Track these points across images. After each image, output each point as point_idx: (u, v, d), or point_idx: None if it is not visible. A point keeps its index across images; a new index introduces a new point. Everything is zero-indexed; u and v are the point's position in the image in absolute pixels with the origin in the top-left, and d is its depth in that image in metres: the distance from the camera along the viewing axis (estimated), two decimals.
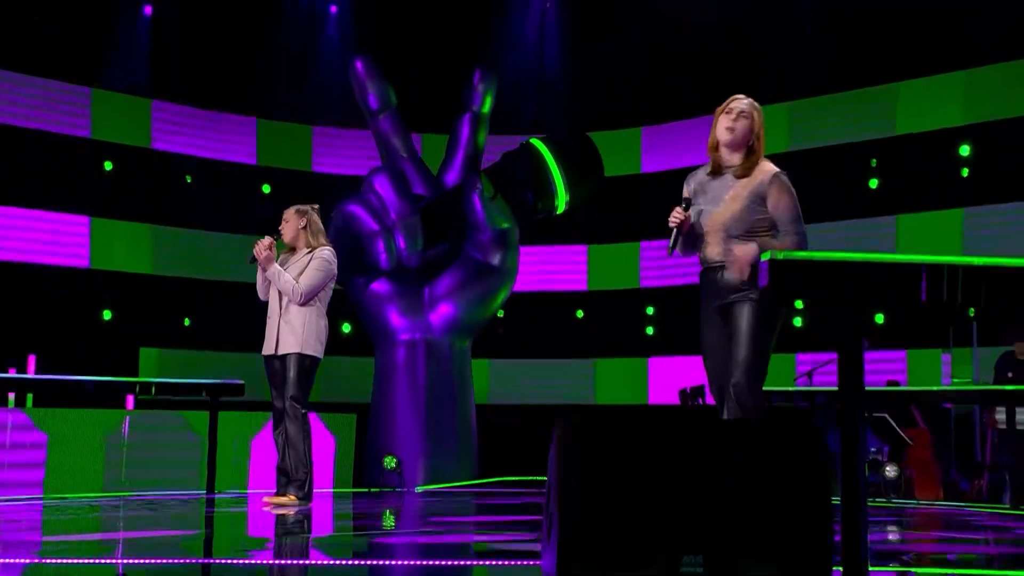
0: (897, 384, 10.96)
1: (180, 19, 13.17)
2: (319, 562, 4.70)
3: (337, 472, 9.99)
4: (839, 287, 3.14)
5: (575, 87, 14.46)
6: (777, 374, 10.15)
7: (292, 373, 7.01)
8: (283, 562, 4.69)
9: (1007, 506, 8.45)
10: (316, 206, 7.42)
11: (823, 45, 12.90)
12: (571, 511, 3.16)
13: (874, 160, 13.02)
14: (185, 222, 13.41)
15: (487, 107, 11.16)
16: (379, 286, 10.58)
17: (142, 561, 4.49)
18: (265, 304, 7.32)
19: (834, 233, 12.46)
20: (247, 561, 4.64)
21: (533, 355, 14.64)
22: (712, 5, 13.32)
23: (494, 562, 4.88)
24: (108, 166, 12.94)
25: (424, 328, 10.56)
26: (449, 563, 4.50)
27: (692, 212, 5.01)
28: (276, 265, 7.12)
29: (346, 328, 13.61)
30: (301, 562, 4.69)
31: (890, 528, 6.92)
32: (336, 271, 7.31)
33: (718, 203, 4.98)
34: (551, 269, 14.81)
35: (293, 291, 7.05)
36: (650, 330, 14.58)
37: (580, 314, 14.80)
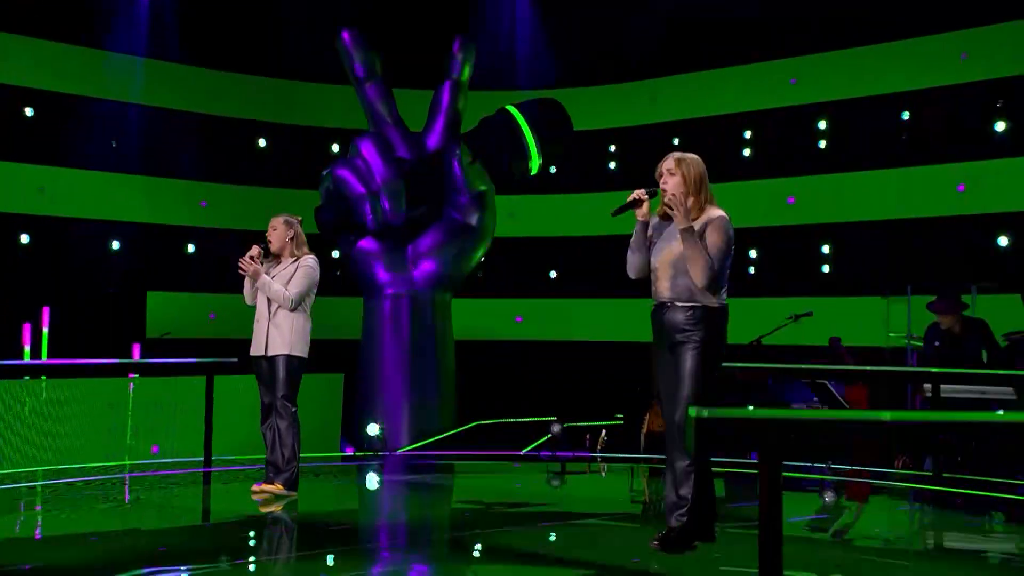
0: (839, 341, 11.84)
1: None
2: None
3: (324, 435, 10.57)
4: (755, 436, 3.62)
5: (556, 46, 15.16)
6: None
7: (282, 374, 7.44)
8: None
9: (929, 473, 9.05)
10: (299, 218, 7.81)
11: None
12: None
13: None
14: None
15: (466, 75, 11.93)
16: (366, 244, 11.49)
17: None
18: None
19: None
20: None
21: None
22: None
23: None
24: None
25: (408, 283, 11.49)
26: None
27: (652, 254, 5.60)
28: (265, 276, 7.49)
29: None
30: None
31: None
32: (319, 278, 7.68)
33: (669, 242, 5.52)
34: None
35: (284, 299, 7.43)
36: None
37: None
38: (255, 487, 7.56)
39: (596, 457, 10.27)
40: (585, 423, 11.48)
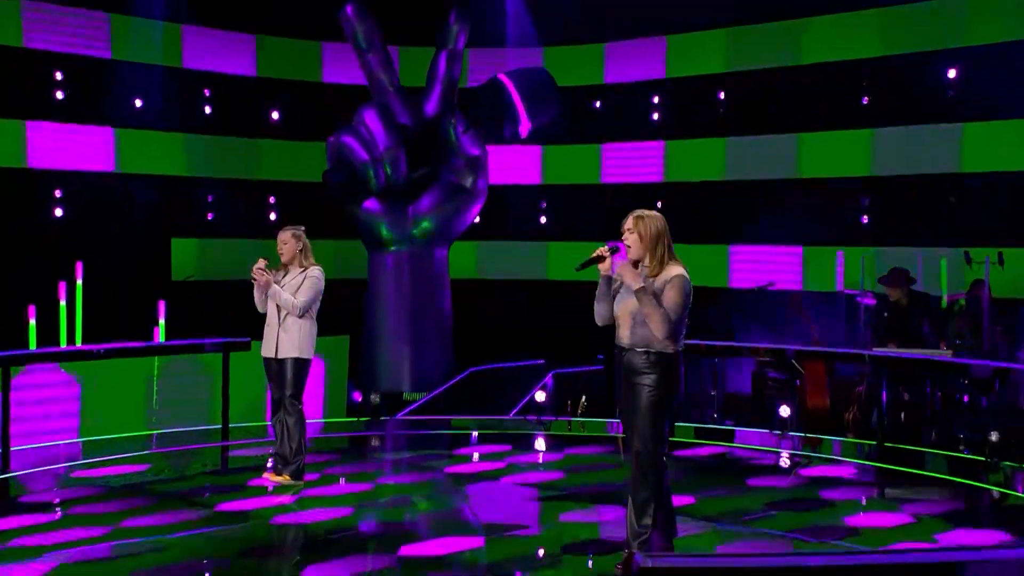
0: (772, 284, 12.75)
1: None
2: None
3: (330, 400, 11.51)
4: None
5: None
6: None
7: (290, 375, 8.07)
8: None
9: (874, 442, 9.88)
10: (303, 228, 8.29)
11: None
12: None
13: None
14: None
15: (461, 44, 12.90)
16: (371, 204, 12.63)
17: None
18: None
19: None
20: None
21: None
22: None
23: None
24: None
25: (409, 240, 12.64)
26: None
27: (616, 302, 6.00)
28: (275, 285, 8.06)
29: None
30: None
31: None
32: (323, 287, 8.20)
33: (631, 294, 5.88)
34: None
35: (293, 307, 8.02)
36: None
37: None
38: (266, 475, 8.30)
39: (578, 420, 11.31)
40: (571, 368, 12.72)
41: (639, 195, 13.82)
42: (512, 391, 11.97)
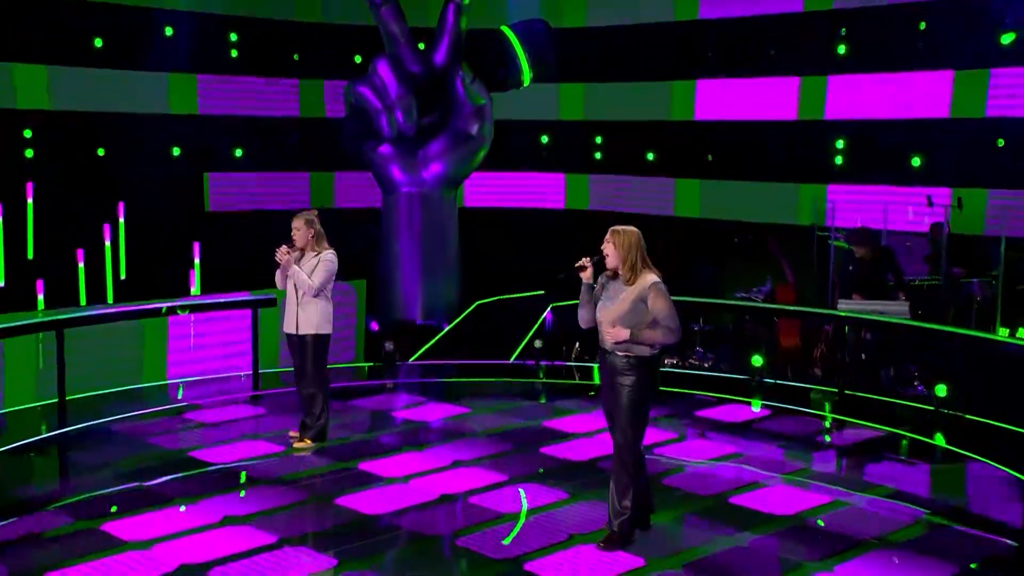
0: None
1: None
2: None
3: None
4: None
5: None
6: None
7: (311, 351, 8.89)
8: None
9: (834, 392, 10.97)
10: (316, 211, 9.04)
11: None
12: None
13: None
14: None
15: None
16: (384, 149, 13.68)
17: None
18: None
19: None
20: None
21: None
22: None
23: None
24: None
25: (419, 183, 13.73)
26: None
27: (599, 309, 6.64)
28: (295, 266, 8.79)
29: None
30: None
31: None
32: (336, 268, 8.91)
33: (614, 301, 6.56)
34: None
35: (309, 287, 8.75)
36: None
37: None
38: (291, 433, 9.23)
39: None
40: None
41: None
42: (516, 328, 13.19)
